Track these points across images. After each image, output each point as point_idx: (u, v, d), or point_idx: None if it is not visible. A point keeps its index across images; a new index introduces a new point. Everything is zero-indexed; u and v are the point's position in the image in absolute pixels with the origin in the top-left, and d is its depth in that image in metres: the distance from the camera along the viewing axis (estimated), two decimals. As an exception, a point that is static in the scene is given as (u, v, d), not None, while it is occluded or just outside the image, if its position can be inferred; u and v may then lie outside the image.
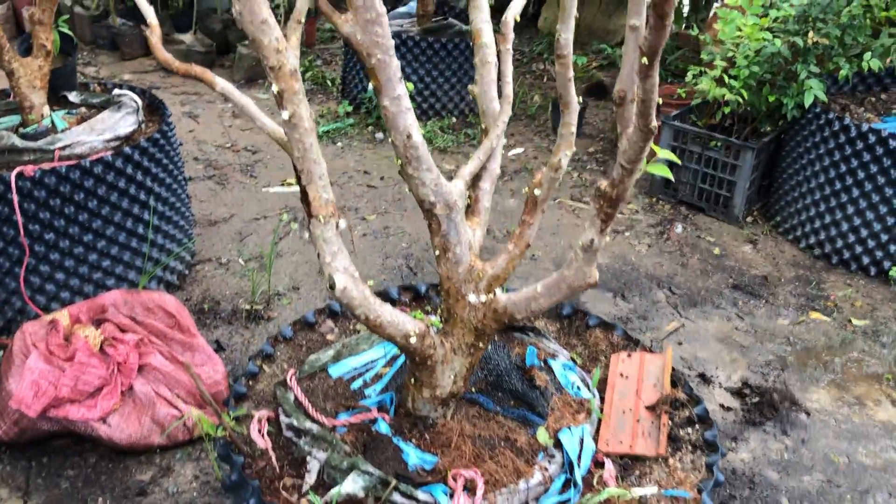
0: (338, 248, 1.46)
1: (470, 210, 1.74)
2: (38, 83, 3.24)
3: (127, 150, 3.07)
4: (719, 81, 3.89)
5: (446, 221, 1.62)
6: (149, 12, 1.59)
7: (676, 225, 4.16)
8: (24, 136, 3.10)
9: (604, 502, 1.61)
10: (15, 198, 2.82)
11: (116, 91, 3.48)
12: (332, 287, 1.44)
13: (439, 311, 1.72)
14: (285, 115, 1.34)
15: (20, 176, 2.83)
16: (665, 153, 1.39)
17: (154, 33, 1.55)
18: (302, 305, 3.41)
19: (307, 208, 1.44)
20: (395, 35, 5.27)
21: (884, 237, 3.61)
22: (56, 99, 3.46)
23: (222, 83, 1.46)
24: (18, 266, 2.95)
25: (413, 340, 1.58)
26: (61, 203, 2.94)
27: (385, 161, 4.81)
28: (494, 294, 1.65)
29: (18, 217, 2.85)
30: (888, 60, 3.92)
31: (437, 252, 1.65)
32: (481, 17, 1.77)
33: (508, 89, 1.74)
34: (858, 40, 3.85)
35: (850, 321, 3.40)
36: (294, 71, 1.33)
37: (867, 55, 3.75)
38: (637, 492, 1.66)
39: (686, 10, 6.58)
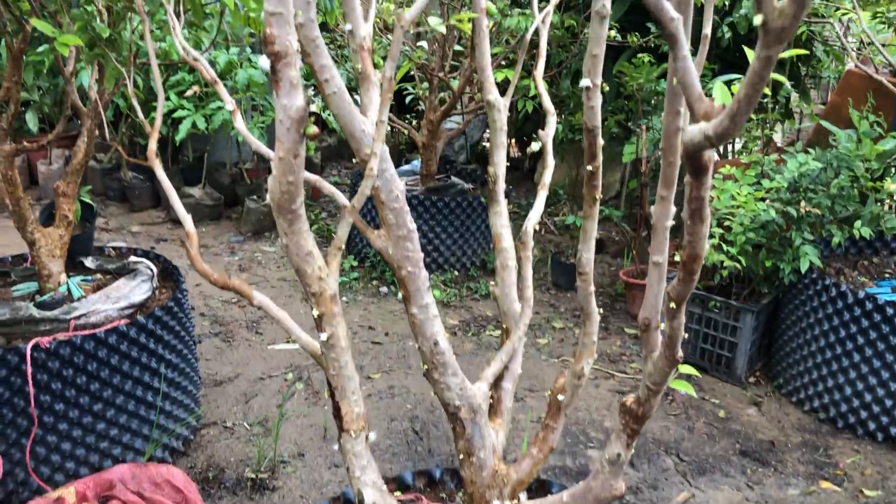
0: (367, 461, 1.48)
1: (493, 411, 1.78)
2: (58, 252, 3.33)
3: (141, 319, 3.12)
4: (717, 247, 4.02)
5: (471, 425, 1.65)
6: (187, 220, 1.67)
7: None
8: (40, 306, 3.15)
9: None
10: (29, 369, 2.85)
11: (132, 258, 3.57)
12: (361, 502, 1.45)
13: (463, 514, 1.72)
14: (323, 336, 1.40)
15: (36, 347, 2.86)
16: (687, 368, 1.44)
17: (192, 243, 1.63)
18: (307, 474, 3.36)
19: (339, 422, 1.47)
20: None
21: (888, 402, 3.64)
22: (73, 264, 3.55)
23: (259, 297, 1.52)
24: (25, 437, 2.93)
25: (439, 552, 1.57)
26: (74, 373, 2.95)
27: (390, 316, 4.87)
28: (519, 500, 1.66)
29: (31, 388, 2.86)
30: (878, 226, 4.08)
31: (461, 455, 1.67)
32: (500, 223, 1.87)
33: (529, 292, 1.81)
34: (848, 209, 4.01)
35: (861, 492, 3.37)
36: (334, 295, 1.39)
37: (857, 223, 3.91)
38: None
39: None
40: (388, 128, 5.54)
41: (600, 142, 1.40)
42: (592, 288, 1.58)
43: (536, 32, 2.03)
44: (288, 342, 4.50)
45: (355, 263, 5.51)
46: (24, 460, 2.95)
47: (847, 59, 5.38)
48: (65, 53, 2.07)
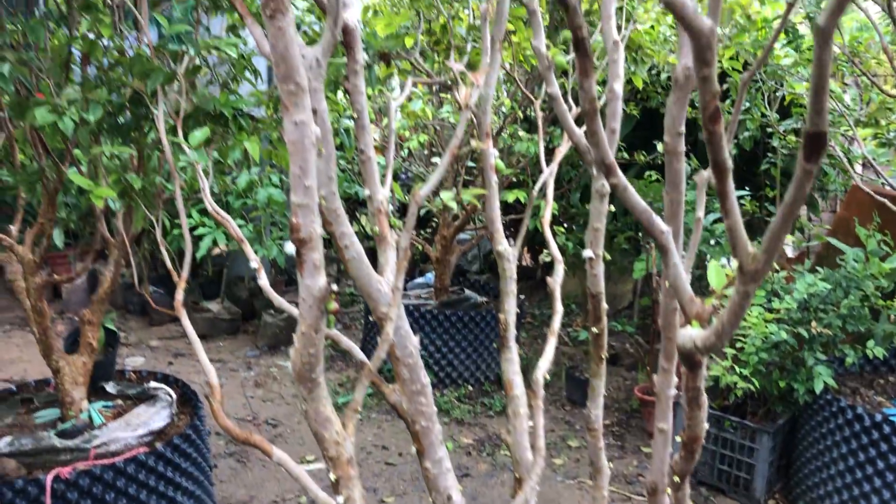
0: None
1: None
2: (81, 379, 3.40)
3: (160, 447, 3.16)
4: (730, 368, 4.04)
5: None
6: (211, 373, 1.75)
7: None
8: (62, 434, 3.20)
9: None
10: (48, 501, 2.87)
11: (152, 384, 3.64)
12: None
13: None
14: (340, 499, 1.44)
15: (56, 478, 2.90)
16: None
17: (216, 397, 1.70)
18: None
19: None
20: (414, 308, 5.55)
21: (912, 529, 3.57)
22: (94, 389, 3.61)
23: (278, 453, 1.58)
24: (40, 570, 2.93)
25: None
26: (91, 503, 2.98)
27: (403, 435, 4.86)
28: None
29: (48, 520, 2.88)
30: (890, 345, 4.10)
31: None
32: (512, 370, 1.93)
33: (541, 442, 1.85)
34: (860, 328, 4.04)
35: None
36: (350, 459, 1.45)
37: (870, 342, 3.93)
38: None
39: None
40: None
41: (604, 306, 1.48)
42: (602, 444, 1.62)
43: (547, 151, 2.14)
44: (301, 462, 4.49)
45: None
46: None
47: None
48: (99, 204, 2.19)
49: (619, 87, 1.44)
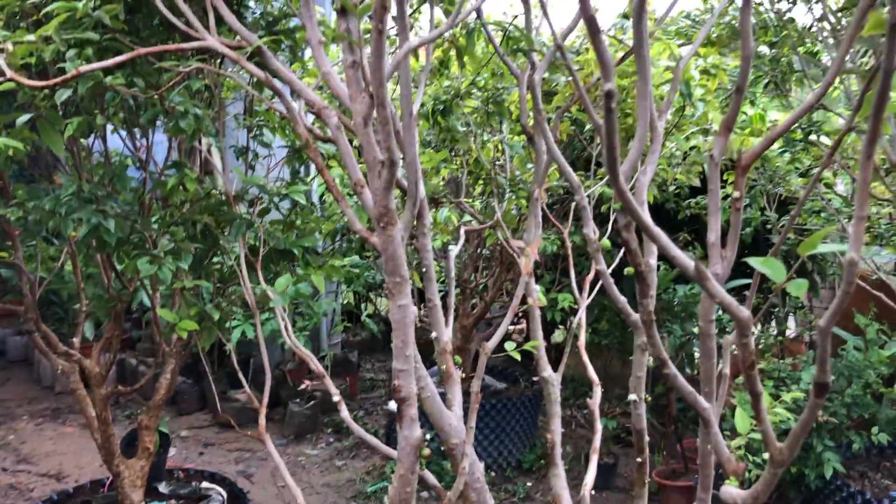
0: None
1: None
2: (140, 482, 3.64)
3: (217, 547, 3.39)
4: (742, 457, 4.27)
5: None
6: (294, 487, 2.00)
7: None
8: (124, 536, 3.43)
9: None
10: None
11: (205, 484, 3.88)
12: None
13: None
14: None
15: (124, 581, 3.12)
16: None
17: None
18: None
19: None
20: (438, 397, 5.79)
21: None
22: (148, 489, 3.85)
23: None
24: None
25: None
26: None
27: (432, 523, 5.06)
28: None
29: None
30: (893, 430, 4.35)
31: None
32: (560, 485, 2.19)
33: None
34: (865, 415, 4.30)
35: None
36: None
37: (874, 429, 4.19)
38: None
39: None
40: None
41: (647, 439, 1.76)
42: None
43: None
44: (337, 553, 4.68)
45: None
46: None
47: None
48: (184, 336, 2.48)
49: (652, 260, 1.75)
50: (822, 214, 5.14)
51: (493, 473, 5.82)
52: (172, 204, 2.87)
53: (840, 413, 4.23)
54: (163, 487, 3.91)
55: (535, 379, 6.81)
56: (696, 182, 4.74)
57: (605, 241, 2.16)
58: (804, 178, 5.14)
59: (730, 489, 1.22)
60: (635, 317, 1.70)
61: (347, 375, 7.43)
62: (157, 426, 3.76)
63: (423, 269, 2.02)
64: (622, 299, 1.65)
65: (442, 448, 1.92)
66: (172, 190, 2.72)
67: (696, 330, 5.24)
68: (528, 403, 6.06)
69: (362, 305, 9.56)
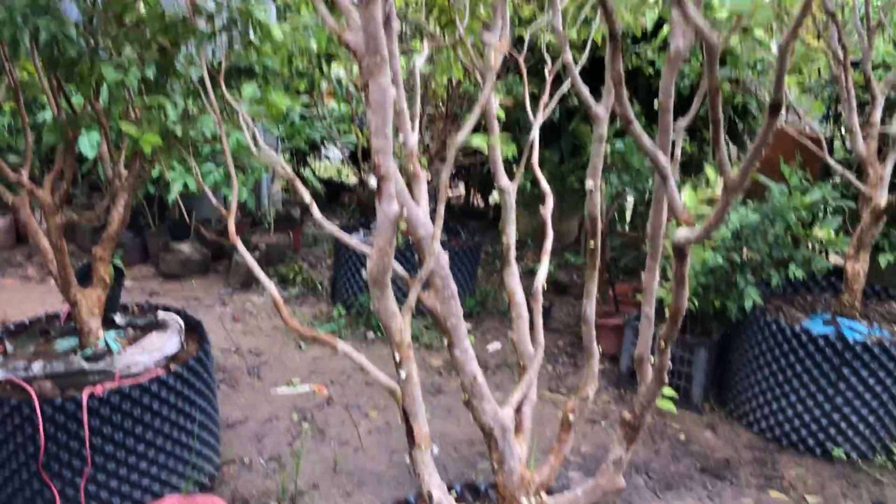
0: (432, 468, 1.95)
1: (517, 429, 2.26)
2: (97, 311, 3.73)
3: (178, 368, 3.53)
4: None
5: (502, 441, 2.13)
6: (273, 291, 2.13)
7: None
8: (85, 359, 3.54)
9: None
10: (85, 416, 3.23)
11: (161, 313, 3.98)
12: (430, 499, 1.92)
13: (497, 511, 2.20)
14: (403, 374, 1.88)
15: (91, 396, 3.25)
16: (668, 391, 1.95)
17: (282, 308, 2.09)
18: (324, 503, 3.78)
19: (410, 439, 1.95)
20: (383, 246, 5.95)
21: (824, 421, 4.22)
22: (104, 321, 3.93)
23: (342, 346, 1.99)
24: (79, 476, 3.30)
25: (486, 539, 2.04)
26: (122, 418, 3.34)
27: (379, 360, 5.31)
28: (541, 498, 2.14)
29: (87, 433, 3.24)
30: (809, 267, 4.71)
31: (495, 465, 2.15)
32: (513, 282, 2.37)
33: (540, 337, 2.32)
34: (784, 253, 4.63)
35: (804, 499, 3.92)
36: (409, 344, 1.88)
37: (792, 266, 4.53)
38: None
39: (629, 214, 7.50)
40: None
41: (599, 225, 1.92)
42: (594, 332, 2.08)
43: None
44: (288, 385, 4.91)
45: (343, 311, 5.96)
46: (77, 497, 3.32)
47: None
48: (147, 150, 2.52)
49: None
50: (758, 67, 5.33)
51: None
52: (128, 23, 2.83)
53: (763, 251, 4.55)
54: (119, 319, 4.00)
55: (475, 238, 7.01)
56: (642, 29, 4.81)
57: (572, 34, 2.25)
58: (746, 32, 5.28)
59: (682, 230, 1.38)
60: (598, 107, 1.82)
61: (290, 230, 7.51)
62: (112, 259, 3.81)
63: (392, 76, 2.08)
64: (585, 90, 1.77)
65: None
66: (127, 7, 2.68)
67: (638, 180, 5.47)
68: (468, 254, 6.28)
69: (301, 168, 9.52)
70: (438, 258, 2.06)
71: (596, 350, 2.12)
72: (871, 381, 4.11)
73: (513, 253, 2.38)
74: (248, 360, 5.27)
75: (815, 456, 4.31)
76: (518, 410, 2.29)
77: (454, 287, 2.09)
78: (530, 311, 2.36)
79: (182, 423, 3.60)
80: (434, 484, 1.94)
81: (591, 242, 1.94)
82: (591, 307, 2.03)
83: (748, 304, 4.44)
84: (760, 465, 4.23)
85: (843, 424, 4.21)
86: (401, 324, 1.85)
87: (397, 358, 1.86)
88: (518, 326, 2.33)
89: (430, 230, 2.05)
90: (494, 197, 9.32)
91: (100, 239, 3.72)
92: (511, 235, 2.38)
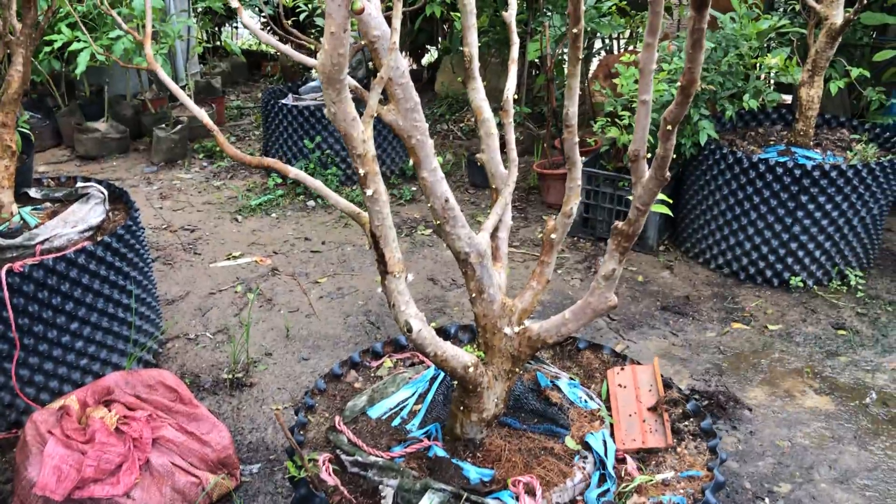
0: (408, 297, 1.74)
1: (493, 256, 2.06)
2: (6, 183, 3.35)
3: (106, 238, 3.21)
4: (626, 128, 4.40)
5: (479, 268, 1.93)
6: (203, 115, 1.83)
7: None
8: (1, 234, 3.19)
9: (636, 488, 1.93)
10: (6, 294, 2.92)
11: (81, 184, 3.61)
12: (409, 331, 1.72)
13: (477, 344, 2.02)
14: (369, 192, 1.63)
15: (10, 272, 2.93)
16: (661, 197, 1.76)
17: (218, 133, 1.80)
18: (279, 369, 3.59)
19: (382, 267, 1.72)
20: (316, 109, 5.58)
21: (781, 251, 4.18)
22: (17, 196, 3.55)
23: (294, 170, 1.73)
24: (8, 361, 3.02)
25: (471, 370, 1.87)
26: (49, 295, 3.04)
27: (322, 227, 5.06)
28: (524, 325, 1.97)
29: (10, 312, 2.94)
30: (760, 100, 4.56)
31: (473, 294, 1.96)
32: (479, 97, 2.11)
33: (513, 154, 2.08)
34: (736, 85, 4.46)
35: (766, 327, 3.91)
36: (374, 157, 1.62)
37: (745, 97, 4.37)
38: (659, 477, 1.99)
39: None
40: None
41: (582, 7, 1.66)
42: (577, 139, 1.86)
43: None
44: (228, 258, 4.64)
45: (279, 181, 5.63)
46: (9, 383, 3.04)
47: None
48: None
49: None
50: None
51: (377, 182, 5.81)
52: None
53: (716, 81, 4.36)
54: (34, 192, 3.62)
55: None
56: None
57: None
58: None
59: None
60: None
61: (213, 102, 7.01)
62: (17, 125, 3.40)
63: None
64: None
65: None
66: None
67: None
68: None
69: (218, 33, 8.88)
70: (398, 63, 1.78)
71: (579, 161, 1.90)
72: (829, 206, 4.06)
73: (475, 65, 2.10)
74: (182, 236, 4.95)
75: (773, 287, 4.30)
76: (493, 236, 2.08)
77: (416, 98, 1.82)
78: (500, 126, 2.11)
79: (117, 297, 3.31)
80: (411, 314, 1.73)
81: (574, 29, 1.68)
82: (573, 106, 1.79)
83: (703, 138, 4.29)
84: (721, 300, 4.19)
85: (800, 253, 4.17)
86: (362, 132, 1.58)
87: (361, 172, 1.60)
88: (488, 145, 2.09)
89: (385, 30, 1.76)
90: (429, 58, 8.90)
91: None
92: (472, 45, 2.09)
